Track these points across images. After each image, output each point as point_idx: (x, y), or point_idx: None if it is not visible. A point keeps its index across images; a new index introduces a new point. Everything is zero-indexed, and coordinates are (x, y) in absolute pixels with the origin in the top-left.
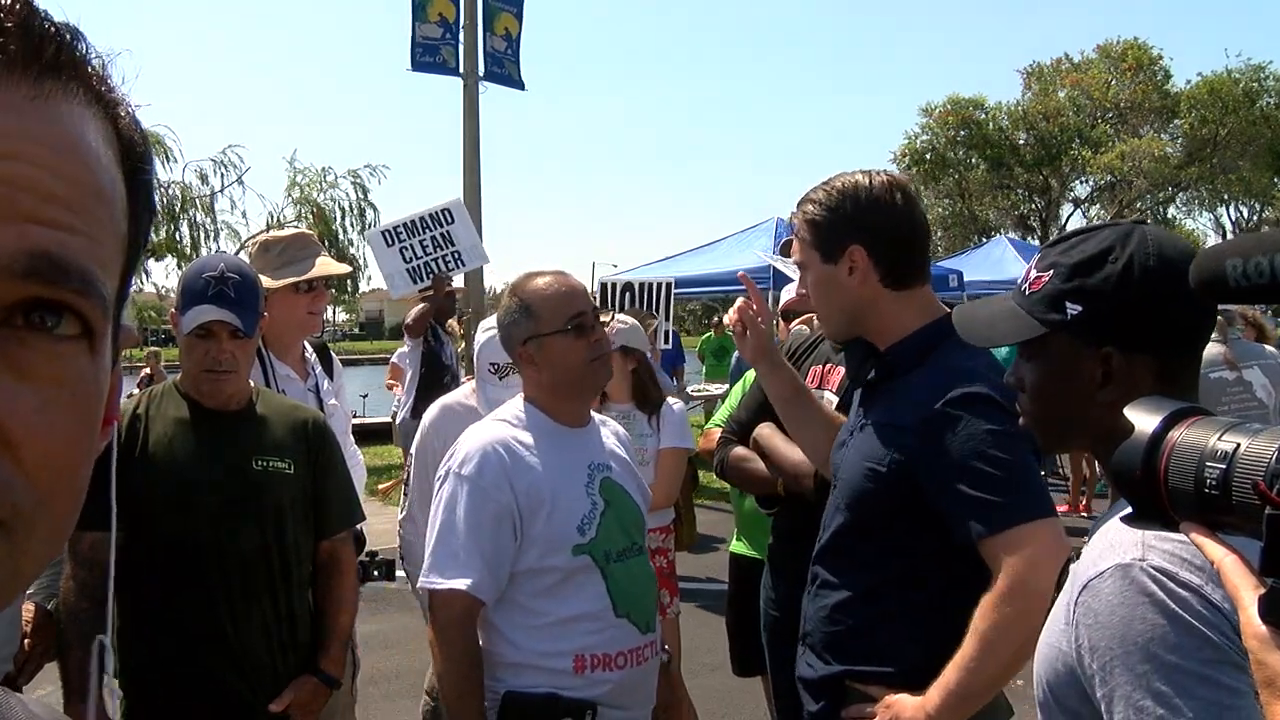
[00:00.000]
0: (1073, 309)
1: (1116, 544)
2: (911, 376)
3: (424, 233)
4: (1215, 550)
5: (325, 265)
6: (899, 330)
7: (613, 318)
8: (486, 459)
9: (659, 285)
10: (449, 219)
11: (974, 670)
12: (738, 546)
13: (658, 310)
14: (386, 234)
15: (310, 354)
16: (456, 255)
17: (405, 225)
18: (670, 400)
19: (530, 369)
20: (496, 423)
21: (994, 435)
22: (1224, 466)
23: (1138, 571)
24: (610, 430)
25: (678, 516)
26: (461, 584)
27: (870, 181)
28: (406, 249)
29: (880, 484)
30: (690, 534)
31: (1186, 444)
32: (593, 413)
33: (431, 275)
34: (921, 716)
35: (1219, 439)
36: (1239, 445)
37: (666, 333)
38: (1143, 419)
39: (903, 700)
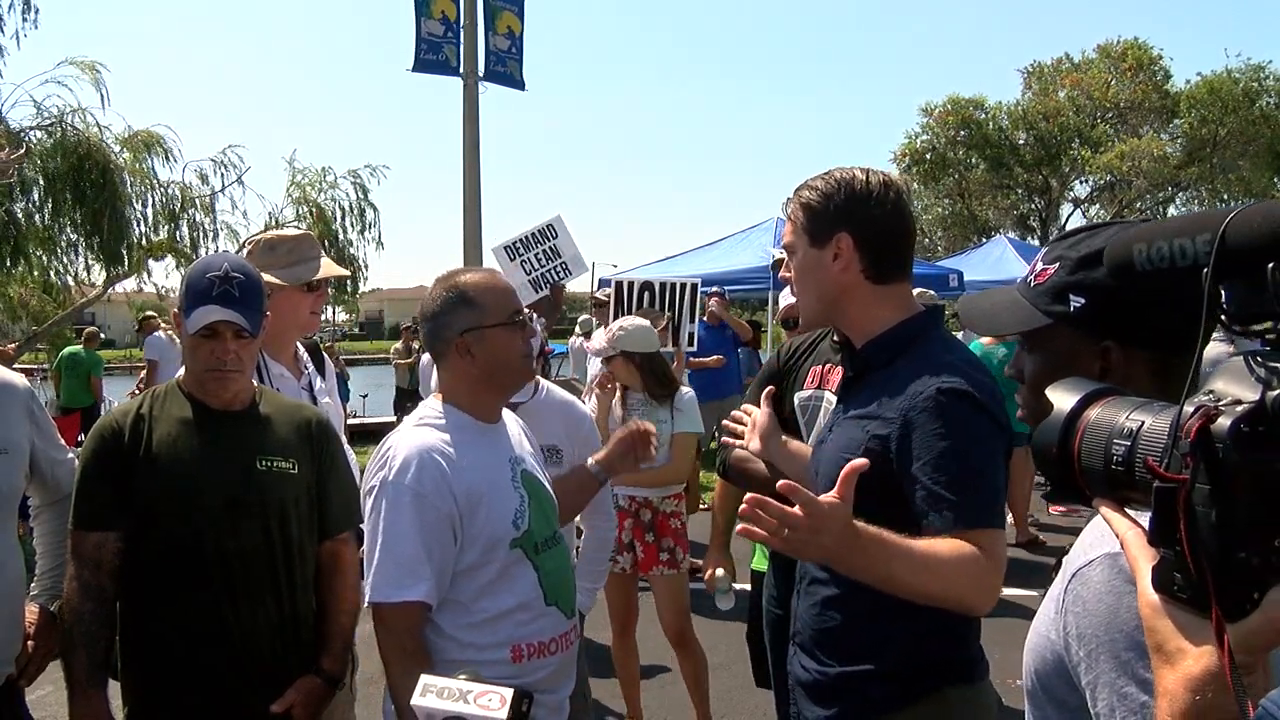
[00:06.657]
0: (1076, 301)
1: (1107, 534)
2: (889, 370)
3: (536, 247)
4: (1120, 524)
5: (330, 267)
6: (875, 324)
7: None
8: (425, 466)
9: (682, 286)
10: (553, 234)
11: (905, 569)
12: (759, 563)
13: (684, 311)
14: (509, 249)
15: (303, 353)
16: (564, 266)
17: (521, 240)
18: (683, 389)
19: (462, 360)
20: (422, 428)
21: (970, 434)
22: (1128, 444)
23: (1126, 561)
24: (514, 422)
25: (687, 485)
26: (415, 595)
27: (867, 176)
28: (526, 263)
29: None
30: (696, 500)
31: (1098, 422)
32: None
33: (549, 285)
34: (830, 546)
35: (1127, 417)
36: (1143, 423)
37: (691, 334)
38: (1062, 398)
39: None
